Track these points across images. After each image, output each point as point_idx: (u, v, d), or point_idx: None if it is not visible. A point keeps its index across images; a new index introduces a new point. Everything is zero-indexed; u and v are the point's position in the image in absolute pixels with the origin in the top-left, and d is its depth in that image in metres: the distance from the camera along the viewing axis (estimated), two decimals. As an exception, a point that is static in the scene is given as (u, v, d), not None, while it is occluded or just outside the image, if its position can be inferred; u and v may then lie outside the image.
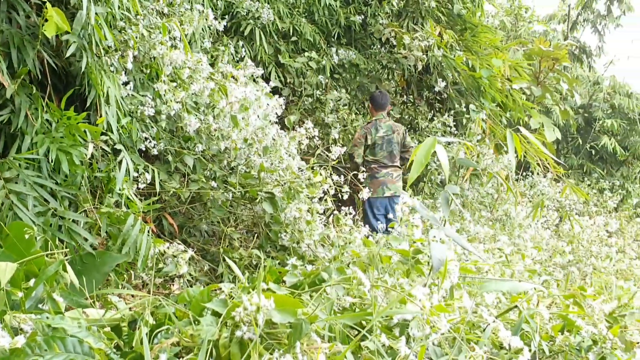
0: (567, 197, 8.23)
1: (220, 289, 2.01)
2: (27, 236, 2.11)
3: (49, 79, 3.06)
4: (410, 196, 2.93)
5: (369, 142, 5.47)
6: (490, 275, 2.83)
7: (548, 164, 6.37)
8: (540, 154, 5.80)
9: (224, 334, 1.59)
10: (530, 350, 1.78)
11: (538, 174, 8.29)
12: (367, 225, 3.82)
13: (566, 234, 6.64)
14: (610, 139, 10.89)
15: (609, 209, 9.24)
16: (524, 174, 8.69)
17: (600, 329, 2.04)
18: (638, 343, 2.19)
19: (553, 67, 7.61)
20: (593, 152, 11.31)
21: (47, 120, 2.86)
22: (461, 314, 1.93)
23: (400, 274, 2.19)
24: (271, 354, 1.49)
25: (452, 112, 6.87)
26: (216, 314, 1.72)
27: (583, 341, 2.04)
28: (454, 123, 6.70)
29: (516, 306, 2.14)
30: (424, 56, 6.36)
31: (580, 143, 11.27)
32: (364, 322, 1.77)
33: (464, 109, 6.76)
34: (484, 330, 1.92)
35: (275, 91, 5.32)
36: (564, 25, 12.20)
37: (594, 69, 12.15)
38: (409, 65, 6.56)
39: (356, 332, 1.74)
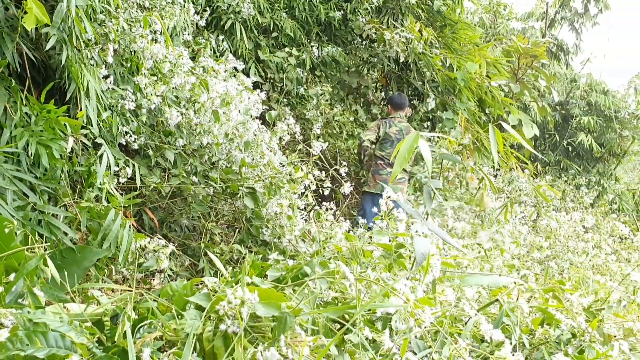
0: (545, 194, 8.32)
1: (203, 283, 2.01)
2: (6, 230, 2.09)
3: (28, 72, 3.02)
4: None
5: (380, 134, 5.56)
6: (470, 270, 2.86)
7: (524, 163, 6.44)
8: (512, 157, 5.87)
9: (207, 328, 1.59)
10: (511, 343, 1.80)
11: (516, 169, 8.37)
12: (359, 217, 3.84)
13: (544, 230, 6.71)
14: (586, 136, 11.04)
15: (585, 205, 9.36)
16: (500, 170, 8.76)
17: (579, 322, 2.07)
18: (615, 336, 2.23)
19: (531, 64, 7.69)
20: (570, 148, 11.45)
21: (26, 113, 2.82)
22: (443, 308, 1.95)
23: (383, 269, 2.21)
24: (255, 347, 1.50)
25: (430, 109, 6.90)
26: (199, 308, 1.72)
27: (562, 334, 2.07)
28: (431, 119, 6.76)
29: (497, 300, 2.17)
30: (406, 48, 6.38)
31: (558, 140, 11.40)
32: (347, 316, 1.78)
33: (434, 107, 6.78)
34: (465, 323, 1.94)
35: (255, 86, 5.31)
36: (541, 23, 12.32)
37: (571, 67, 12.28)
38: (390, 58, 6.58)
39: (339, 326, 1.74)
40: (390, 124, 5.57)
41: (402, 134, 5.51)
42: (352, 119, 6.81)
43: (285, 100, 6.25)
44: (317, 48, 6.57)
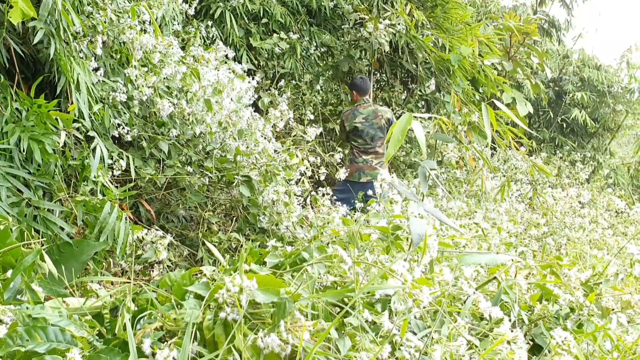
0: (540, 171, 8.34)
1: (202, 272, 2.01)
2: (2, 227, 2.08)
3: (16, 67, 3.00)
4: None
5: (347, 129, 5.43)
6: (468, 249, 2.87)
7: (520, 139, 6.43)
8: (509, 133, 5.87)
9: (207, 316, 1.59)
10: (510, 320, 1.81)
11: (510, 148, 8.38)
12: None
13: (540, 207, 6.73)
14: (580, 112, 11.03)
15: (581, 181, 9.39)
16: (497, 149, 8.77)
17: (577, 296, 2.08)
18: (613, 309, 2.24)
19: (523, 41, 7.66)
20: (564, 125, 11.45)
21: (16, 109, 2.80)
22: (441, 288, 1.95)
23: (380, 251, 2.21)
24: (256, 333, 1.50)
25: (426, 91, 6.88)
26: (199, 297, 1.72)
27: (561, 309, 2.08)
28: (426, 101, 6.73)
29: (495, 278, 2.17)
30: (394, 35, 6.32)
31: (552, 116, 11.40)
32: (346, 300, 1.78)
33: (435, 89, 6.76)
34: (464, 302, 1.95)
35: (249, 74, 5.28)
36: (532, 0, 12.26)
37: (563, 43, 12.24)
38: (379, 44, 6.53)
39: (339, 310, 1.75)
40: (355, 114, 5.42)
41: (370, 119, 5.39)
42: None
43: (278, 86, 6.22)
44: (309, 35, 6.52)
